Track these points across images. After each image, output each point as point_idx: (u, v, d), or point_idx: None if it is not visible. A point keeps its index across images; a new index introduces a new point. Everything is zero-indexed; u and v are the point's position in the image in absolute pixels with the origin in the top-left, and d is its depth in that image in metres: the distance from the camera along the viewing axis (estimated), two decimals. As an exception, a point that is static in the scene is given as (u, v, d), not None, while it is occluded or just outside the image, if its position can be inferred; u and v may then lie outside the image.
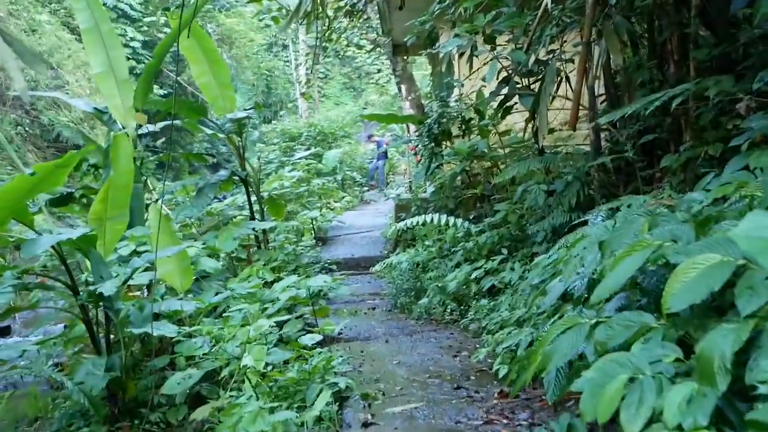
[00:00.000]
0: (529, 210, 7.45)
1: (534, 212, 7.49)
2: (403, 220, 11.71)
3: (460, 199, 9.82)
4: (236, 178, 10.56)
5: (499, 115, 7.93)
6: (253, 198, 10.74)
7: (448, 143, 9.86)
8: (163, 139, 15.39)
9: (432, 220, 8.48)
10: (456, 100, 9.74)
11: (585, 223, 6.80)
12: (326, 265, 11.06)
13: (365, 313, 8.84)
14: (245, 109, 10.65)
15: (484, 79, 7.26)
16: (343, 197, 20.89)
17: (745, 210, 3.04)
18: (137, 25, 28.10)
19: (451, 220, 8.39)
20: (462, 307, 7.60)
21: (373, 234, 14.32)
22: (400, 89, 17.10)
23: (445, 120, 9.31)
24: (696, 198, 3.33)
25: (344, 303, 9.56)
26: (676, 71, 6.16)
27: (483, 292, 7.20)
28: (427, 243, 9.45)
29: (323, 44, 15.80)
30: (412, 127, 14.55)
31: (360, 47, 28.91)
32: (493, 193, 9.07)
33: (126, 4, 27.45)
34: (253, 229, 10.06)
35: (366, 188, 24.09)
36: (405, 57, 15.92)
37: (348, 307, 9.27)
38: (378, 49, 19.79)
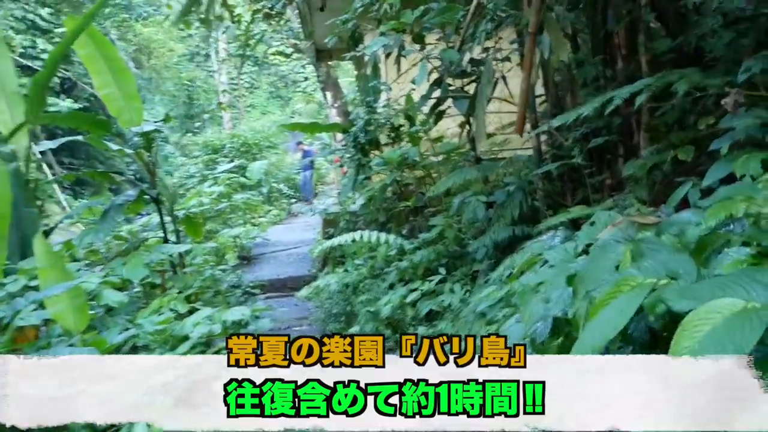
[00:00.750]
0: (467, 224, 6.77)
1: (473, 226, 6.83)
2: (332, 235, 10.97)
3: (391, 212, 9.11)
4: (147, 197, 9.64)
5: (431, 120, 7.26)
6: (168, 218, 9.84)
7: (377, 152, 9.14)
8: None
9: (362, 237, 7.74)
10: (384, 106, 9.01)
11: (529, 237, 6.20)
12: (249, 288, 10.21)
13: (291, 344, 8.04)
14: (154, 122, 9.75)
15: (413, 82, 6.58)
16: (270, 211, 19.99)
17: (755, 233, 2.37)
18: (48, 36, 26.67)
19: (383, 236, 7.67)
20: (398, 335, 6.87)
21: (301, 250, 13.50)
22: (325, 96, 16.37)
23: (372, 128, 8.59)
24: (688, 219, 2.65)
25: (268, 332, 8.73)
26: (624, 66, 5.56)
27: (420, 318, 6.48)
28: (357, 262, 8.70)
29: (242, 51, 15.01)
30: (340, 136, 13.88)
31: (283, 54, 27.99)
32: (427, 205, 8.38)
33: (35, 15, 25.99)
34: (167, 253, 9.16)
35: (294, 200, 23.23)
36: (329, 62, 15.23)
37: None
38: (300, 54, 19.03)
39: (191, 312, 7.56)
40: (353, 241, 7.78)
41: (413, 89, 7.83)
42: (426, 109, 7.12)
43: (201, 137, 27.31)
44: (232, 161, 21.16)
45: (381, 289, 7.49)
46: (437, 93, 6.75)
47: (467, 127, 7.06)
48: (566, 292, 2.78)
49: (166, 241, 9.79)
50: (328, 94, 15.88)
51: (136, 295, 9.57)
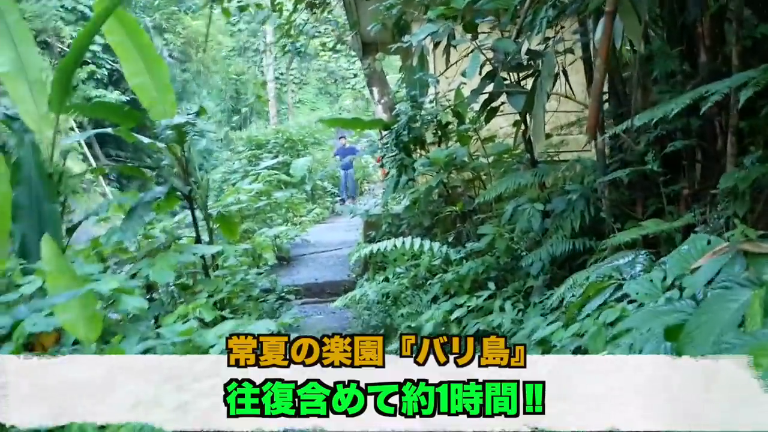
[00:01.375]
0: (520, 234, 6.08)
1: (527, 236, 6.14)
2: (373, 239, 10.35)
3: (437, 217, 8.43)
4: (179, 194, 9.11)
5: (482, 118, 6.57)
6: (202, 216, 9.32)
7: (422, 152, 8.47)
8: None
9: (403, 244, 7.08)
10: (431, 101, 8.31)
11: (591, 252, 5.50)
12: (284, 294, 9.60)
13: (327, 358, 7.41)
14: (187, 115, 9.22)
15: (464, 75, 5.90)
16: (312, 209, 19.43)
17: None
18: None
19: (426, 244, 7.00)
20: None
21: (342, 252, 12.86)
22: (371, 92, 15.73)
23: (416, 125, 7.91)
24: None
25: (302, 343, 8.14)
26: (709, 60, 4.82)
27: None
28: (398, 270, 8.05)
29: (285, 43, 14.43)
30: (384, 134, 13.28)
31: (330, 48, 27.44)
32: (476, 211, 7.70)
33: (85, 6, 25.80)
34: (197, 254, 8.63)
35: (338, 199, 22.65)
36: (374, 55, 14.58)
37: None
38: (344, 46, 18.39)
39: (217, 321, 7.02)
40: (394, 247, 7.12)
41: (463, 83, 7.16)
42: (477, 105, 6.43)
43: (246, 132, 26.92)
44: (275, 157, 20.67)
45: (423, 302, 6.83)
46: (490, 87, 6.06)
47: (522, 126, 6.36)
48: (663, 347, 2.09)
49: (198, 240, 9.25)
50: (374, 90, 15.23)
51: (164, 297, 9.11)
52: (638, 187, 5.27)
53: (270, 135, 23.16)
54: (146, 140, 9.31)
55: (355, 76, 40.55)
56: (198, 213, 9.35)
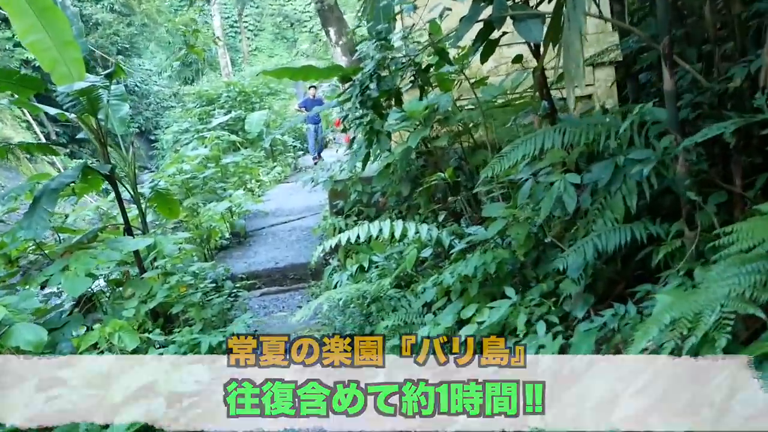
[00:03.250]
0: (550, 219, 4.35)
1: (557, 220, 4.42)
2: (341, 209, 8.58)
3: (420, 187, 6.68)
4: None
5: (475, 54, 4.80)
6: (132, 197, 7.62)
7: (396, 108, 6.61)
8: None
9: (381, 230, 5.33)
10: (403, 37, 6.32)
11: (658, 242, 3.82)
12: (235, 291, 7.80)
13: (289, 381, 5.71)
14: (97, 76, 7.36)
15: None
16: (273, 168, 17.52)
17: None
18: None
19: (411, 227, 5.27)
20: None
21: (306, 223, 11.06)
22: (327, 33, 13.74)
23: (387, 73, 6.03)
24: None
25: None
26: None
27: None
28: (376, 259, 6.33)
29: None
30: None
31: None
32: (471, 177, 5.96)
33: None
34: (122, 250, 6.86)
35: (301, 153, 20.68)
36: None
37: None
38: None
39: (140, 350, 5.34)
40: (369, 238, 5.39)
41: (447, 10, 5.35)
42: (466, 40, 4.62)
43: (196, 87, 24.74)
44: (228, 113, 18.64)
45: (413, 310, 5.12)
46: (487, 12, 4.28)
47: (540, 65, 4.60)
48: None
49: (128, 228, 7.46)
50: (331, 30, 13.27)
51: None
52: (736, 150, 3.54)
53: (222, 88, 21.02)
54: (52, 111, 7.48)
55: (311, 18, 38.48)
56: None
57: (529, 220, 4.41)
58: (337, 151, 12.59)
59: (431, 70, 6.11)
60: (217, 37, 27.02)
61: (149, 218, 9.71)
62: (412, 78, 6.02)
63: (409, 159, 6.89)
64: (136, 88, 29.68)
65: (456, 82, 6.68)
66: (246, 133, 17.92)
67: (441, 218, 5.97)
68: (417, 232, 5.29)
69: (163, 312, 7.04)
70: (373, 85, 5.58)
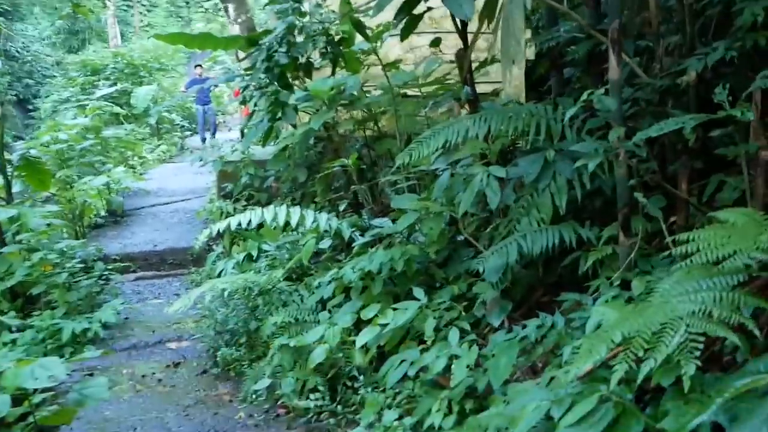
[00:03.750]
0: (465, 215, 3.94)
1: (474, 217, 4.03)
2: (229, 193, 7.98)
3: (318, 173, 6.19)
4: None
5: (394, 29, 4.37)
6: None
7: (298, 82, 6.07)
8: None
9: (276, 216, 4.82)
10: (316, 5, 5.72)
11: (587, 245, 3.47)
12: (110, 269, 7.07)
13: (159, 379, 5.08)
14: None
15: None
16: (158, 146, 16.58)
17: None
18: None
19: (310, 216, 4.78)
20: (338, 394, 4.04)
21: (190, 205, 10.35)
22: (226, 9, 13.03)
23: (298, 39, 5.48)
24: None
25: (127, 350, 5.76)
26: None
27: (381, 379, 3.70)
28: (266, 248, 5.80)
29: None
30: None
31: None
32: (373, 165, 5.53)
33: None
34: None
35: (189, 133, 19.71)
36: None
37: (130, 362, 5.48)
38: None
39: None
40: (261, 226, 4.87)
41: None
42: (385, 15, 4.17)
43: (82, 56, 23.30)
44: (113, 85, 17.55)
45: (306, 306, 4.63)
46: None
47: (465, 44, 4.20)
48: None
49: (-8, 197, 6.69)
50: (230, 6, 12.59)
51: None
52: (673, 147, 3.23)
53: (108, 59, 19.82)
54: None
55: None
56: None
57: (444, 214, 4.00)
58: (230, 131, 11.83)
59: (343, 44, 5.61)
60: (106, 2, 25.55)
61: (17, 189, 8.82)
62: (323, 50, 5.46)
63: (308, 143, 6.40)
64: (16, 54, 27.78)
65: (365, 65, 6.23)
66: (131, 108, 16.93)
67: (341, 208, 5.49)
68: (315, 221, 4.81)
69: (23, 292, 6.29)
70: (282, 50, 4.99)
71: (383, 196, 5.88)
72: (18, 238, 6.36)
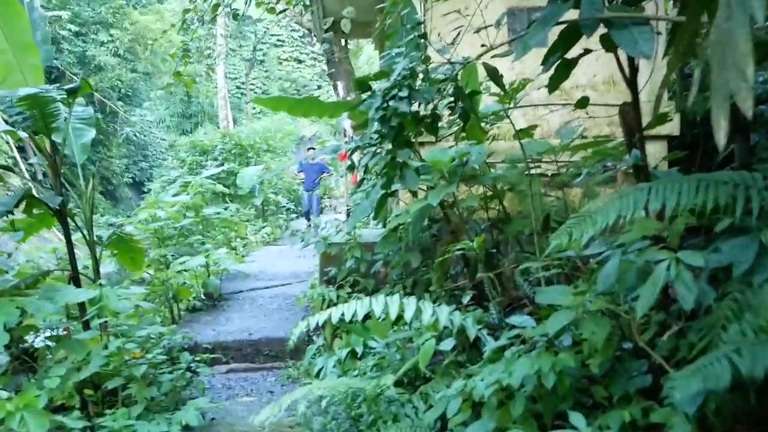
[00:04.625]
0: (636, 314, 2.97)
1: (655, 319, 3.07)
2: (332, 278, 7.18)
3: (433, 257, 5.33)
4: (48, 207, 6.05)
5: (542, 75, 3.54)
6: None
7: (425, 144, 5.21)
8: None
9: (386, 305, 3.96)
10: (438, 50, 4.78)
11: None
12: (193, 364, 6.30)
13: None
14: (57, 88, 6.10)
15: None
16: (263, 228, 16.16)
17: None
18: None
19: (428, 308, 3.90)
20: None
21: (291, 290, 9.60)
22: (335, 87, 12.69)
23: (419, 85, 4.35)
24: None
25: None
26: None
27: None
28: (374, 345, 4.94)
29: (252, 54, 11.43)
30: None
31: (296, 60, 24.42)
32: (498, 250, 4.61)
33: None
34: (58, 303, 5.50)
35: (294, 216, 19.31)
36: (343, 41, 11.70)
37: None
38: (314, 62, 15.37)
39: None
40: (369, 316, 4.01)
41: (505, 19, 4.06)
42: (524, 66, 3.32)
43: (192, 137, 23.55)
44: (221, 165, 17.38)
45: (423, 423, 3.69)
46: (567, 16, 3.03)
47: (634, 94, 3.31)
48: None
49: (74, 278, 6.08)
50: (339, 85, 12.24)
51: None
52: None
53: (217, 140, 19.81)
54: (2, 126, 6.26)
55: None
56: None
57: (613, 314, 3.04)
58: (336, 212, 11.20)
59: (475, 99, 4.71)
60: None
61: (111, 268, 8.32)
62: (452, 104, 4.56)
63: (423, 223, 5.56)
64: (134, 138, 28.57)
65: (490, 132, 5.40)
66: (237, 188, 16.64)
67: (464, 300, 4.56)
68: (434, 315, 3.92)
69: (100, 385, 5.59)
70: (402, 95, 4.08)
71: (512, 287, 4.96)
72: (97, 322, 5.70)
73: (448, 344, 3.99)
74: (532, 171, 5.04)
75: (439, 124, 4.64)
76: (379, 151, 4.44)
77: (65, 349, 5.54)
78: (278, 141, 22.95)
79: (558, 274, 4.03)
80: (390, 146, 4.31)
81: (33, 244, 10.33)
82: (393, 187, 4.56)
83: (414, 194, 5.34)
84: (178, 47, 12.78)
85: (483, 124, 5.11)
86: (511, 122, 4.73)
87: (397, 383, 4.26)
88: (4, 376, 5.85)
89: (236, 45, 39.86)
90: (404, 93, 3.96)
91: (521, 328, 3.49)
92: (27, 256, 8.74)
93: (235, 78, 38.47)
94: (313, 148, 17.00)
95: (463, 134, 5.03)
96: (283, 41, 41.48)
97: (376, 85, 4.34)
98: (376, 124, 4.19)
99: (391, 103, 3.99)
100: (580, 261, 3.90)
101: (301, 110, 5.67)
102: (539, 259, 3.95)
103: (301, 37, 40.59)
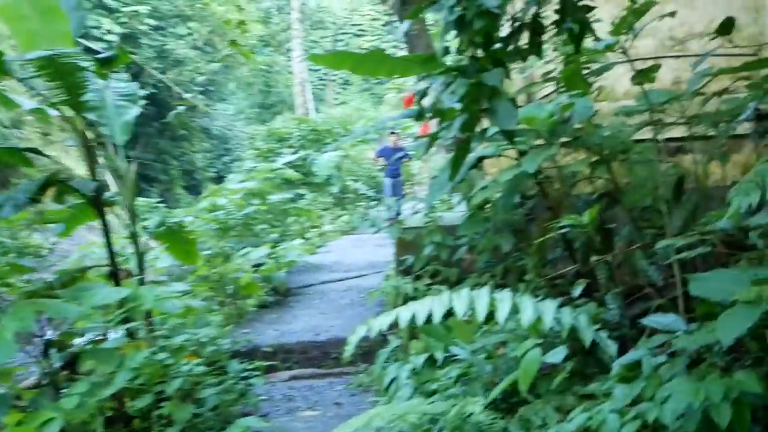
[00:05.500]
0: None
1: None
2: (409, 267, 6.19)
3: (528, 238, 4.29)
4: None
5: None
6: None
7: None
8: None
9: (472, 300, 2.95)
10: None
11: None
12: (246, 372, 5.34)
13: None
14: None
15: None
16: (340, 216, 15.32)
17: None
18: (115, 16, 22.87)
19: (528, 305, 2.88)
20: None
21: (367, 283, 8.61)
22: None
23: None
24: None
25: None
26: None
27: None
28: (458, 350, 3.92)
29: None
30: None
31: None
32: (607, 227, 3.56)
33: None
34: (95, 303, 4.70)
35: (375, 203, 18.39)
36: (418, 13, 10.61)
37: None
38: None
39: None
40: (450, 314, 3.00)
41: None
42: None
43: (269, 126, 22.98)
44: (296, 152, 16.61)
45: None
46: None
47: None
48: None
49: (113, 273, 5.27)
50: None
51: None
52: None
53: (293, 127, 19.06)
54: (28, 104, 5.51)
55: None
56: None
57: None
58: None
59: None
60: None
61: (167, 263, 7.54)
62: (558, 15, 3.25)
63: (515, 197, 4.51)
64: (216, 132, 28.39)
65: (592, 88, 4.29)
66: (314, 176, 15.85)
67: (576, 293, 3.50)
68: (536, 312, 2.89)
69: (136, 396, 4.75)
70: (481, 19, 2.78)
71: (627, 273, 3.89)
72: (129, 326, 4.83)
73: (557, 355, 2.95)
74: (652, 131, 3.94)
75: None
76: (458, 73, 3.16)
77: (92, 359, 4.71)
78: (357, 126, 22.11)
79: (706, 254, 2.92)
80: (475, 65, 3.13)
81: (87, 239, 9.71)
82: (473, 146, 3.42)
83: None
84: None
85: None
86: (628, 57, 3.59)
87: (491, 403, 3.24)
88: (33, 390, 5.07)
89: (317, 36, 39.58)
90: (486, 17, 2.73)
91: (668, 333, 2.42)
92: (80, 252, 8.09)
93: (318, 69, 38.07)
94: (396, 133, 15.99)
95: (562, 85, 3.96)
96: (365, 31, 41.07)
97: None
98: (452, 22, 2.94)
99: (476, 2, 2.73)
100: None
101: (367, 68, 4.64)
102: (685, 235, 2.85)
103: (383, 26, 40.04)
